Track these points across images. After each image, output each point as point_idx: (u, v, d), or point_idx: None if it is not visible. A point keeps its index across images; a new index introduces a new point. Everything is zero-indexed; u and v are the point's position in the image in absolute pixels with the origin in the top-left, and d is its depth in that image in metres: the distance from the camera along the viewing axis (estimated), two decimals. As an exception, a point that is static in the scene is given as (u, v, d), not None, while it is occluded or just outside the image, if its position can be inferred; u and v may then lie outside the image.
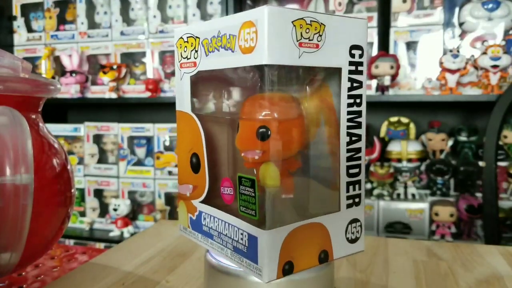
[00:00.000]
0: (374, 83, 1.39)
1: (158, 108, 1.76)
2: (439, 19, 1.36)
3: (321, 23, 0.30)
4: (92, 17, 1.70)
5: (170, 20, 1.62)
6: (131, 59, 1.68)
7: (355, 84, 0.32)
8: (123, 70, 1.64)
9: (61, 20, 1.74)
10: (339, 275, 0.45)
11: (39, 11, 1.77)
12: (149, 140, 1.65)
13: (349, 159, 0.32)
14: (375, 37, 1.40)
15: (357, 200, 0.33)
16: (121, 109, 1.84)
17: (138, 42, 1.62)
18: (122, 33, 1.64)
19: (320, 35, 0.30)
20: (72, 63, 1.67)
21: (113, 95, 1.62)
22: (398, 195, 1.40)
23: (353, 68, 0.32)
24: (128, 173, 1.65)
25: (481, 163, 1.25)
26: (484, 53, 1.26)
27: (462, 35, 1.37)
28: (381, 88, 1.36)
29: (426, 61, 1.39)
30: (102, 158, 1.71)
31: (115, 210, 1.60)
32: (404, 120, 1.40)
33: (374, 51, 1.40)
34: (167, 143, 1.62)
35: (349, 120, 0.32)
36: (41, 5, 1.76)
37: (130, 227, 1.61)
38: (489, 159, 1.18)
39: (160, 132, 1.61)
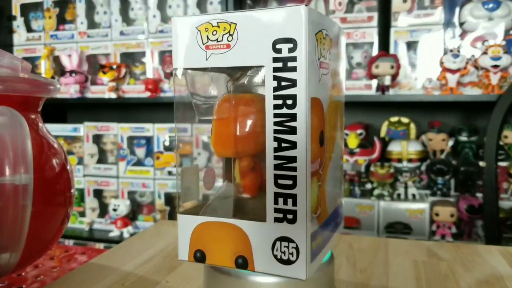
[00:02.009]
0: (374, 83, 1.39)
1: (158, 108, 1.76)
2: (439, 19, 1.36)
3: (231, 23, 0.29)
4: (92, 17, 1.70)
5: (170, 20, 1.61)
6: (130, 59, 1.68)
7: (283, 83, 0.28)
8: (123, 70, 1.63)
9: (61, 20, 1.74)
10: (339, 275, 0.45)
11: (39, 11, 1.77)
12: (148, 140, 1.64)
13: (277, 167, 0.29)
14: (375, 37, 1.40)
15: (289, 216, 0.29)
16: (120, 109, 1.84)
17: (138, 42, 1.62)
18: (121, 33, 1.64)
19: (231, 35, 0.29)
20: (71, 63, 1.67)
21: (113, 95, 1.62)
22: (399, 195, 1.40)
23: (279, 65, 0.28)
24: (128, 173, 1.65)
25: (481, 163, 1.25)
26: (485, 53, 1.26)
27: (463, 35, 1.37)
28: (382, 88, 1.36)
29: (426, 61, 1.39)
30: (102, 158, 1.71)
31: (114, 210, 1.59)
32: (405, 120, 1.40)
33: (375, 51, 1.40)
34: (167, 143, 1.61)
35: (276, 123, 0.29)
36: (40, 5, 1.75)
37: (130, 228, 1.61)
38: (489, 159, 1.18)
39: (160, 132, 1.61)
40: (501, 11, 1.29)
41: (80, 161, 1.70)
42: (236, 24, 0.29)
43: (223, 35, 0.30)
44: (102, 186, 1.68)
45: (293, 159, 0.28)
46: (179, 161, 0.35)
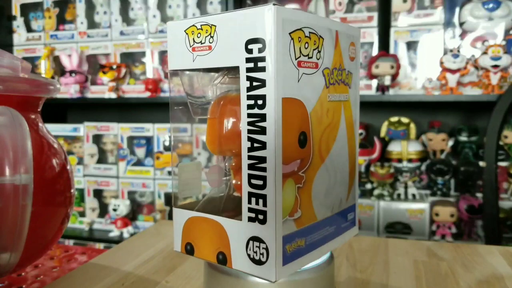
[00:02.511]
0: (374, 83, 1.39)
1: (158, 108, 1.76)
2: (439, 19, 1.36)
3: (212, 25, 0.30)
4: (92, 17, 1.70)
5: (170, 19, 1.61)
6: (130, 59, 1.68)
7: (255, 83, 0.28)
8: (123, 70, 1.63)
9: (61, 20, 1.74)
10: (339, 275, 0.45)
11: (39, 11, 1.77)
12: (148, 140, 1.64)
13: (250, 167, 0.29)
14: (376, 37, 1.40)
15: (260, 217, 0.29)
16: (120, 109, 1.84)
17: (138, 42, 1.62)
18: (121, 33, 1.64)
19: (212, 36, 0.30)
20: (71, 63, 1.67)
21: (113, 95, 1.62)
22: (399, 195, 1.40)
23: (251, 65, 0.28)
24: (128, 173, 1.65)
25: (481, 163, 1.25)
26: (485, 53, 1.26)
27: (463, 35, 1.37)
28: (382, 88, 1.36)
29: (426, 61, 1.39)
30: (102, 158, 1.71)
31: (114, 210, 1.59)
32: (405, 120, 1.40)
33: (375, 51, 1.40)
34: (167, 143, 1.61)
35: (249, 123, 0.29)
36: (40, 5, 1.75)
37: (130, 228, 1.61)
38: (489, 159, 1.18)
39: (160, 132, 1.61)
40: (501, 11, 1.29)
41: (80, 161, 1.70)
42: (215, 26, 0.30)
43: (205, 37, 0.31)
44: (102, 186, 1.68)
45: (264, 159, 0.28)
46: (176, 161, 0.36)
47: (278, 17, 0.27)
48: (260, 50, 0.28)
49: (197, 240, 0.33)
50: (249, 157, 0.29)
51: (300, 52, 0.29)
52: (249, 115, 0.29)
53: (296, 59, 0.29)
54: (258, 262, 0.29)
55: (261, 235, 0.29)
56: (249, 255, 0.30)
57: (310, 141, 0.31)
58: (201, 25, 0.31)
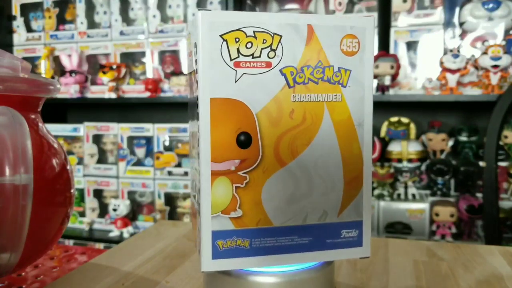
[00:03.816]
0: (374, 83, 1.39)
1: (158, 108, 1.76)
2: (439, 19, 1.36)
3: (190, 33, 0.33)
4: (92, 17, 1.70)
5: (170, 20, 1.62)
6: (130, 59, 1.68)
7: (196, 85, 0.30)
8: (123, 70, 1.63)
9: (61, 20, 1.74)
10: (339, 275, 0.45)
11: (39, 11, 1.77)
12: (148, 140, 1.64)
13: (198, 162, 0.31)
14: (375, 37, 1.40)
15: (199, 209, 0.32)
16: (120, 109, 1.84)
17: (138, 42, 1.62)
18: (121, 33, 1.64)
19: (190, 44, 0.33)
20: (71, 63, 1.67)
21: (113, 95, 1.62)
22: (399, 195, 1.40)
23: (196, 67, 0.30)
24: (128, 173, 1.65)
25: (481, 163, 1.25)
26: (485, 53, 1.26)
27: (463, 35, 1.37)
28: (382, 88, 1.36)
29: (426, 61, 1.39)
30: (102, 158, 1.71)
31: (114, 210, 1.59)
32: (405, 120, 1.40)
33: (375, 51, 1.40)
34: (167, 143, 1.61)
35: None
36: (40, 5, 1.75)
37: (130, 228, 1.61)
38: (489, 159, 1.18)
39: (160, 132, 1.61)
40: (501, 11, 1.29)
41: (80, 161, 1.70)
42: (190, 33, 0.33)
43: (189, 43, 0.33)
44: (102, 186, 1.68)
45: (198, 155, 0.30)
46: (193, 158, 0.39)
47: (203, 21, 0.29)
48: (195, 54, 0.30)
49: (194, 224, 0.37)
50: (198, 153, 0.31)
51: (239, 52, 0.30)
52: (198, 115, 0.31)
53: (232, 59, 0.29)
54: (199, 251, 0.32)
55: (199, 226, 0.31)
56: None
57: (258, 143, 0.30)
58: (188, 33, 0.34)
